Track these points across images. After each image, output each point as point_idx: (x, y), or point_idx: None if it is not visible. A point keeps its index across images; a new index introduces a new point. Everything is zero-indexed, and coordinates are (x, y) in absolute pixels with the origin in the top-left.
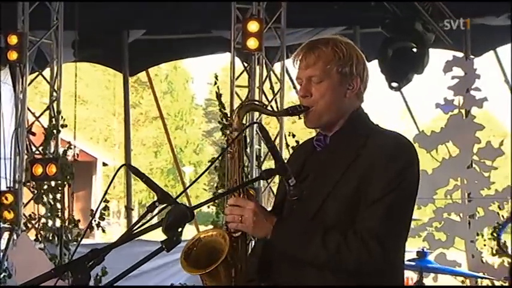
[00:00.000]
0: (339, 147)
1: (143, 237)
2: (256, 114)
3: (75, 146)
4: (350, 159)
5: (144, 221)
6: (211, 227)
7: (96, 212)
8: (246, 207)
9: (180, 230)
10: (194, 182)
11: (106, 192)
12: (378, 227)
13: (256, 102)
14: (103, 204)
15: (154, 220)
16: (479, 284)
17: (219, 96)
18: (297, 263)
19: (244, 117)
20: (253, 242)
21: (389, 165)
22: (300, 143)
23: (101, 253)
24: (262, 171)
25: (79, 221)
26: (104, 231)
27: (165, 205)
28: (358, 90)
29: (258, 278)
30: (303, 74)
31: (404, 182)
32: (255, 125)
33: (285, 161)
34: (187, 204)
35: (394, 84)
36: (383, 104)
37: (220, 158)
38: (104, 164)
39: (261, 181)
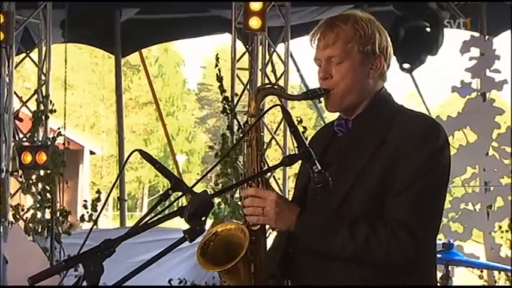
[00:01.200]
0: (362, 132)
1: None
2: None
3: (64, 134)
4: (375, 145)
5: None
6: (213, 219)
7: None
8: (268, 199)
9: (203, 218)
10: (207, 173)
11: (115, 183)
12: (407, 217)
13: (275, 86)
14: (96, 195)
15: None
16: (497, 278)
17: (220, 79)
18: (321, 256)
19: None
20: (271, 234)
21: (417, 151)
22: (319, 128)
23: (114, 244)
24: (285, 156)
25: (70, 212)
26: (96, 223)
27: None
28: (382, 69)
29: (280, 274)
30: (321, 55)
31: (434, 169)
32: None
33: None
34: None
35: (406, 66)
36: (390, 84)
37: (213, 146)
38: (91, 153)
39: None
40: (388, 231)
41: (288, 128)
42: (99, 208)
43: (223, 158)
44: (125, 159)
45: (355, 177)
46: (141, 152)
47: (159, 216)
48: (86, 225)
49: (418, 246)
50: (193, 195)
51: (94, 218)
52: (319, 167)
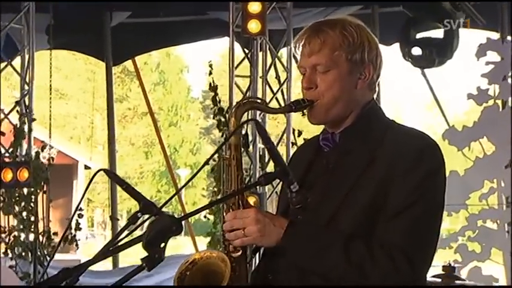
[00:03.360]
0: (350, 147)
1: None
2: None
3: (51, 147)
4: (365, 162)
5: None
6: (208, 238)
7: (68, 225)
8: (248, 218)
9: (162, 245)
10: (181, 189)
11: (81, 201)
12: (405, 242)
13: (256, 100)
14: (78, 212)
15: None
16: None
17: (214, 88)
18: (306, 276)
19: (245, 114)
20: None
21: (411, 171)
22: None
23: (73, 273)
24: (261, 175)
25: (56, 233)
26: (77, 245)
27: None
28: (371, 79)
29: None
30: (306, 62)
31: (430, 190)
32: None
33: (287, 164)
34: (183, 213)
35: (416, 51)
36: (406, 92)
37: (213, 158)
38: (86, 167)
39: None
40: (385, 254)
41: (287, 140)
42: (83, 227)
43: (195, 175)
44: (90, 178)
45: (343, 196)
46: (107, 171)
47: (123, 241)
48: (82, 247)
49: (415, 272)
50: (154, 220)
51: (77, 238)
52: (298, 186)
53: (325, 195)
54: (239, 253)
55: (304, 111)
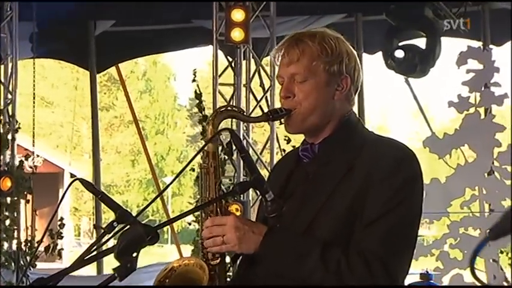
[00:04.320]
0: (329, 157)
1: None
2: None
3: (35, 155)
4: (342, 172)
5: (104, 241)
6: (192, 247)
7: (44, 233)
8: (227, 225)
9: (134, 255)
10: (156, 197)
11: (57, 210)
12: (380, 249)
13: (234, 108)
14: (59, 222)
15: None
16: None
17: (199, 95)
18: (284, 282)
19: (224, 122)
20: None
21: (388, 179)
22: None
23: (47, 282)
24: (236, 184)
25: (40, 242)
26: (59, 255)
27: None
28: (348, 91)
29: None
30: (284, 72)
31: (407, 199)
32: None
33: (266, 172)
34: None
35: (399, 54)
36: (392, 102)
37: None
38: (72, 176)
39: (250, 193)
40: (361, 261)
41: (271, 148)
42: (71, 236)
43: (169, 185)
44: (66, 188)
45: (320, 204)
46: (82, 181)
47: (97, 251)
48: (66, 256)
49: (391, 278)
50: (126, 229)
51: (59, 247)
52: (272, 195)
53: (303, 204)
54: (218, 260)
55: (282, 120)
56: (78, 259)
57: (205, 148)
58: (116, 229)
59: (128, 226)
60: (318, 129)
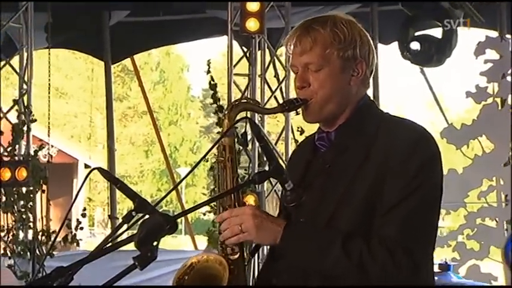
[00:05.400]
0: (346, 144)
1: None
2: None
3: (50, 146)
4: (360, 159)
5: (121, 231)
6: (207, 237)
7: (63, 223)
8: (244, 214)
9: (155, 244)
10: (175, 187)
11: (74, 200)
12: (401, 235)
13: (249, 101)
14: (80, 212)
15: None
16: None
17: (214, 85)
18: (309, 275)
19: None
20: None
21: (404, 164)
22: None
23: (67, 272)
24: (255, 174)
25: (54, 232)
26: (78, 244)
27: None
28: (364, 75)
29: None
30: (298, 61)
31: (424, 182)
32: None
33: (281, 162)
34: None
35: (415, 46)
36: (405, 91)
37: (214, 157)
38: (87, 166)
39: (265, 184)
40: (383, 249)
41: (286, 139)
42: (85, 227)
43: (189, 173)
44: (84, 177)
45: (340, 195)
46: (101, 170)
47: (117, 240)
48: (82, 243)
49: (415, 266)
50: (146, 218)
51: (78, 238)
52: (292, 185)
53: (323, 195)
54: (237, 255)
55: (299, 110)
56: (96, 248)
57: (222, 142)
58: (134, 219)
59: (147, 215)
60: (336, 116)
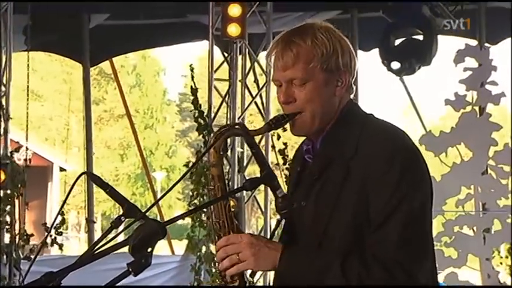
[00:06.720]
0: (330, 156)
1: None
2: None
3: (27, 148)
4: (343, 174)
5: (110, 237)
6: (185, 241)
7: (52, 226)
8: (241, 242)
9: (149, 250)
10: (165, 194)
11: (63, 205)
12: (397, 253)
13: (233, 127)
14: (59, 217)
15: (120, 237)
16: None
17: (194, 91)
18: None
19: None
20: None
21: (384, 178)
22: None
23: (56, 277)
24: (246, 180)
25: (32, 235)
26: (61, 248)
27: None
28: (348, 84)
29: None
30: (281, 76)
31: (408, 194)
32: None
33: (272, 168)
34: (158, 217)
35: (395, 66)
36: (383, 98)
37: (190, 162)
38: (62, 169)
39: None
40: (381, 270)
41: (265, 146)
42: (64, 231)
43: (177, 182)
44: (73, 182)
45: (329, 213)
46: (90, 174)
47: (107, 245)
48: (56, 251)
49: (414, 281)
50: (141, 224)
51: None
52: (283, 192)
53: (314, 211)
54: (237, 283)
55: (286, 126)
56: (85, 253)
57: (211, 172)
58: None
59: (140, 221)
60: (323, 128)
